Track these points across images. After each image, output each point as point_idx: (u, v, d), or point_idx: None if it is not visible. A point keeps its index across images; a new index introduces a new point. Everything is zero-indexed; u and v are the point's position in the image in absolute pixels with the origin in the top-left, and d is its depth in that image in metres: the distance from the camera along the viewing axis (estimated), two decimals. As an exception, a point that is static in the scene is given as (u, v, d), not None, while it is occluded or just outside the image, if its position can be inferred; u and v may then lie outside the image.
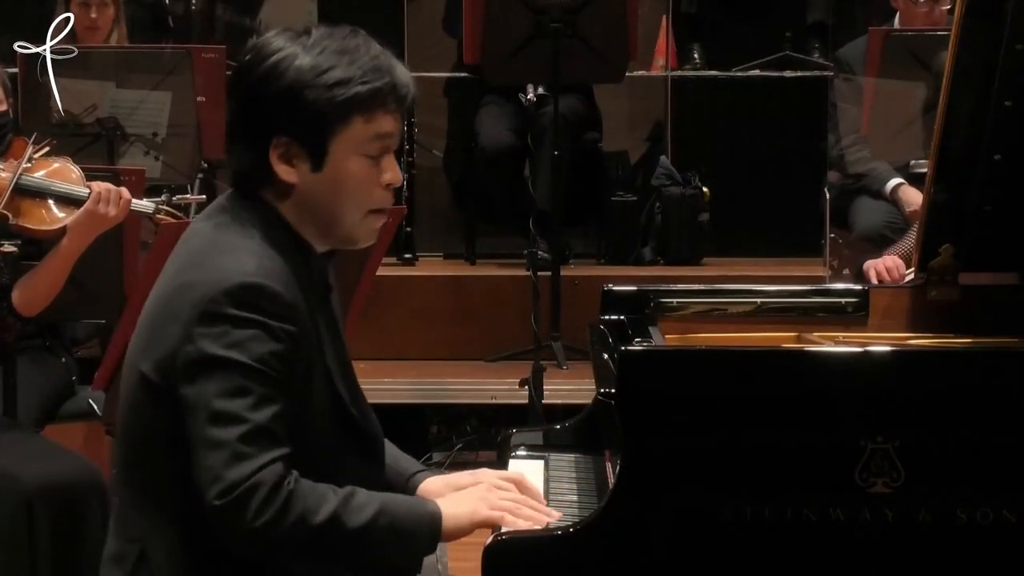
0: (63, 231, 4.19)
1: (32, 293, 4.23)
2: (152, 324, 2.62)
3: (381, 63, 2.63)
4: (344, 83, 2.59)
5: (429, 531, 2.61)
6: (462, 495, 2.71)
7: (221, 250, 2.59)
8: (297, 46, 2.62)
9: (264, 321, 2.53)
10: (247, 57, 2.65)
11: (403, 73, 2.65)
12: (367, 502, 2.57)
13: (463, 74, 7.49)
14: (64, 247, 4.19)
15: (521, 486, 2.75)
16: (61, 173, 4.27)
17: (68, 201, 4.22)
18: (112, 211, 4.20)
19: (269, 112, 2.61)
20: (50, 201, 4.21)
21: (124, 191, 4.22)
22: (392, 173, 2.66)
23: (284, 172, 2.61)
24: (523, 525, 2.63)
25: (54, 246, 4.23)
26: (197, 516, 2.55)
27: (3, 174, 4.24)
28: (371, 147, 2.63)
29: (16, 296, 4.22)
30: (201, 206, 5.99)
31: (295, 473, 2.54)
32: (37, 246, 4.28)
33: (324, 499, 2.54)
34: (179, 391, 2.54)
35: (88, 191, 4.22)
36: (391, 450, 2.91)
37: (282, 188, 2.63)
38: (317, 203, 2.64)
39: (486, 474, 2.79)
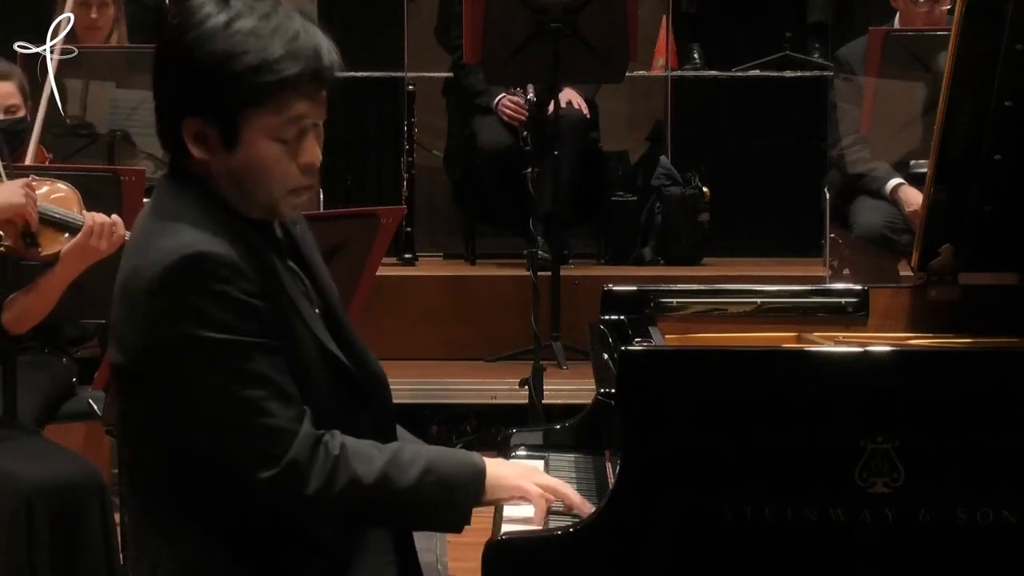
0: (56, 256, 4.18)
1: (21, 314, 4.23)
2: (117, 320, 2.62)
3: (299, 46, 2.54)
4: (255, 70, 2.52)
5: (475, 486, 2.62)
6: (509, 463, 2.76)
7: (159, 232, 2.57)
8: (220, 19, 2.53)
9: (218, 288, 2.51)
10: (174, 23, 2.58)
11: (327, 53, 2.58)
12: (414, 459, 2.59)
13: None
14: (57, 273, 4.18)
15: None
16: (62, 198, 4.26)
17: (64, 228, 4.21)
18: (104, 244, 4.18)
19: (180, 93, 2.57)
20: (47, 226, 4.20)
21: (119, 224, 4.20)
22: (309, 155, 2.60)
23: (196, 151, 2.58)
24: (542, 517, 2.64)
25: (46, 269, 4.22)
26: (199, 514, 2.57)
27: None
28: (285, 132, 2.57)
29: (5, 315, 4.22)
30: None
31: (338, 436, 2.56)
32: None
33: (371, 460, 2.56)
34: (162, 382, 2.54)
35: (83, 220, 4.19)
36: (414, 441, 2.91)
37: (200, 162, 2.60)
38: (233, 181, 2.60)
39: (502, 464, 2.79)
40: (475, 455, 2.68)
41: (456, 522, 2.63)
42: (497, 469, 2.66)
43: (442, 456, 2.65)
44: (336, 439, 2.56)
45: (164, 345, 2.52)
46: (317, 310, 2.69)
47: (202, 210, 2.58)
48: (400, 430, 2.89)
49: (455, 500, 2.61)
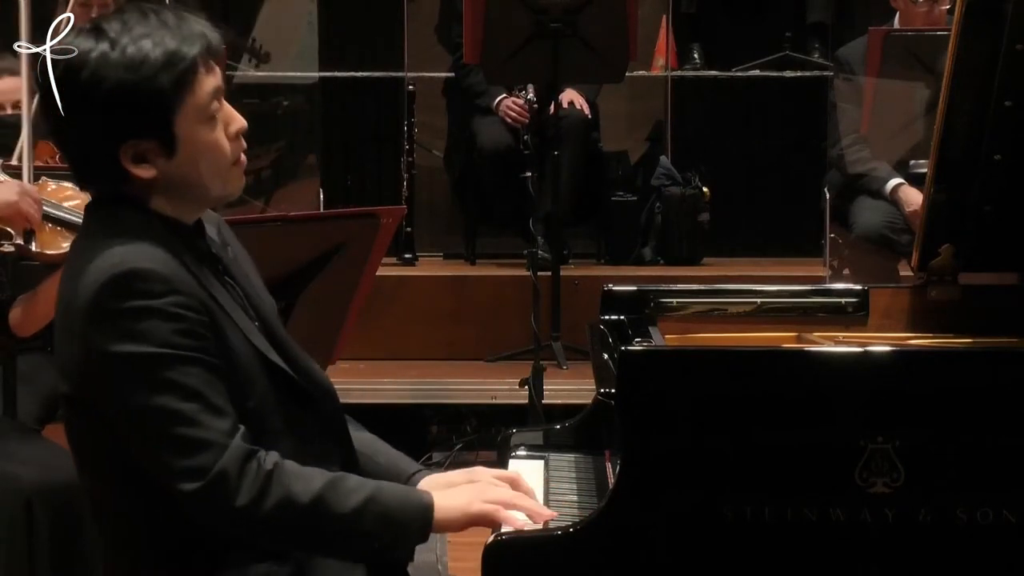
0: (64, 257, 4.17)
1: (30, 317, 4.21)
2: (59, 349, 2.63)
3: (186, 30, 2.58)
4: (164, 66, 2.54)
5: (421, 521, 2.60)
6: (457, 488, 2.70)
7: (90, 256, 2.57)
8: (103, 45, 2.55)
9: (150, 304, 2.51)
10: (57, 74, 2.57)
11: (207, 27, 2.62)
12: (357, 488, 2.57)
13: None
14: None
15: (516, 485, 2.74)
16: (70, 198, 4.25)
17: (74, 228, 4.20)
18: None
19: (104, 123, 2.56)
20: (57, 226, 4.19)
21: None
22: (237, 122, 2.65)
23: (141, 171, 2.59)
24: (516, 522, 2.63)
25: (51, 270, 4.21)
26: (156, 531, 2.60)
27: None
28: (210, 108, 2.60)
29: (13, 317, 4.20)
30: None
31: (275, 454, 2.55)
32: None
33: (310, 482, 2.55)
34: (102, 403, 2.55)
35: None
36: (388, 451, 2.91)
37: (140, 184, 2.60)
38: (183, 182, 2.62)
39: (481, 472, 2.78)
40: (423, 493, 2.65)
41: (396, 556, 2.63)
42: (445, 502, 2.62)
43: (388, 489, 2.63)
44: (271, 456, 2.55)
45: (101, 363, 2.52)
46: (256, 324, 2.70)
47: (135, 228, 2.59)
48: (374, 440, 2.90)
49: (398, 536, 2.59)
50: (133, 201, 2.62)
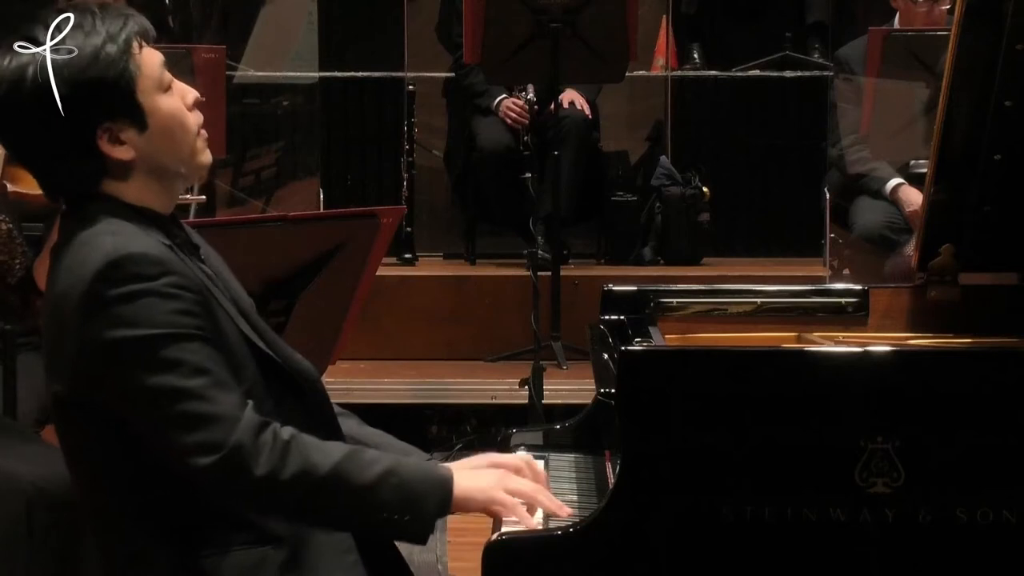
0: None
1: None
2: (50, 343, 2.62)
3: (112, 14, 2.62)
4: (109, 40, 2.58)
5: (440, 495, 2.58)
6: (480, 472, 2.67)
7: (77, 248, 2.57)
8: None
9: (146, 287, 2.51)
10: (6, 89, 2.58)
11: (130, 11, 2.67)
12: (376, 460, 2.57)
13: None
14: None
15: (531, 468, 2.73)
16: None
17: None
18: None
19: (74, 113, 2.57)
20: None
21: None
22: (190, 92, 2.70)
23: (119, 152, 2.60)
24: (530, 522, 2.63)
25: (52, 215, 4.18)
26: (157, 533, 2.59)
27: None
28: (164, 80, 2.65)
29: (37, 271, 4.17)
30: (201, 206, 5.98)
31: (289, 428, 2.54)
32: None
33: (329, 452, 2.54)
34: (103, 396, 2.54)
35: None
36: (397, 444, 2.90)
37: (119, 170, 2.62)
38: (160, 157, 2.64)
39: (490, 457, 2.77)
40: (443, 467, 2.64)
41: (416, 531, 2.58)
42: (466, 481, 2.61)
43: (407, 462, 2.62)
44: (287, 428, 2.54)
45: (103, 353, 2.51)
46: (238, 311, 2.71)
47: (117, 218, 2.60)
48: (381, 434, 2.91)
49: (416, 508, 2.56)
50: (107, 198, 2.62)
